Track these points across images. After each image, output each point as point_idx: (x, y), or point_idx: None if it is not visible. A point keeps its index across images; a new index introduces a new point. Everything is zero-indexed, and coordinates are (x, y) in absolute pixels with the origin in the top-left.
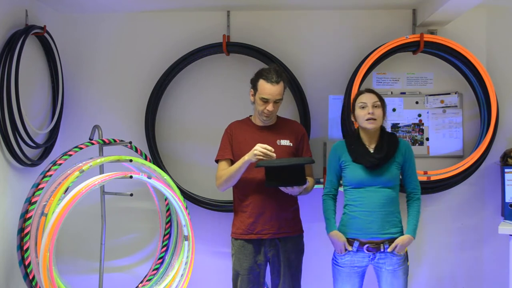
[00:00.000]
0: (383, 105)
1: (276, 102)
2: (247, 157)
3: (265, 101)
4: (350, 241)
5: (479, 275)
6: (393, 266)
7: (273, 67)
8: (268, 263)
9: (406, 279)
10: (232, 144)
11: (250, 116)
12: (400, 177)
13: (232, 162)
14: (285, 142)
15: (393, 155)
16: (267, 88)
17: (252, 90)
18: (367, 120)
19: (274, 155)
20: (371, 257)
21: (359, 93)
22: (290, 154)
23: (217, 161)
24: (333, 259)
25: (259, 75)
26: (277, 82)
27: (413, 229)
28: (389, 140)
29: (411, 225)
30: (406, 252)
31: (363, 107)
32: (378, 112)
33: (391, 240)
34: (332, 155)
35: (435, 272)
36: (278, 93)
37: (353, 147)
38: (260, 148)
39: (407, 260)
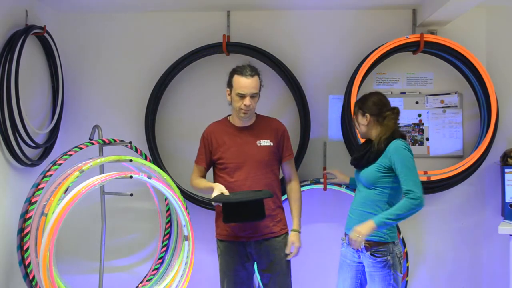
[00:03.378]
0: (359, 112)
1: (253, 96)
2: (214, 189)
3: (241, 95)
4: (345, 234)
5: (479, 275)
6: (369, 269)
7: (247, 64)
8: (255, 263)
9: (386, 286)
10: (212, 149)
11: (228, 116)
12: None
13: (206, 170)
14: (265, 142)
15: (376, 158)
16: (242, 82)
17: (228, 89)
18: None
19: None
20: (356, 254)
21: None
22: (271, 154)
23: None
24: None
25: (233, 72)
26: (251, 75)
27: (382, 216)
28: (378, 142)
29: (386, 212)
30: (388, 260)
31: None
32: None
33: (367, 242)
34: None
35: (435, 272)
36: (253, 86)
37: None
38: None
39: (390, 268)
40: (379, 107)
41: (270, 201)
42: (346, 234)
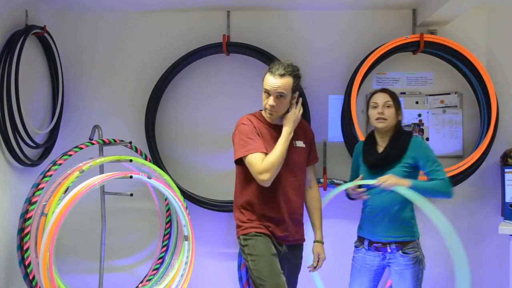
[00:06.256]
0: (396, 104)
1: (279, 97)
2: (290, 129)
3: (267, 93)
4: (361, 239)
5: (479, 275)
6: (399, 267)
7: (285, 61)
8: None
9: (415, 282)
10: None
11: (261, 110)
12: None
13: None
14: (300, 144)
15: (401, 156)
16: (268, 80)
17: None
18: (376, 119)
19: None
20: (381, 256)
21: (373, 92)
22: (305, 157)
23: (238, 160)
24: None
25: (268, 69)
26: (280, 75)
27: (420, 183)
28: (398, 140)
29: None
30: (418, 256)
31: (375, 107)
32: (389, 112)
33: (399, 242)
34: (354, 153)
35: (435, 272)
36: (279, 85)
37: (365, 147)
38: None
39: (420, 264)
40: None
41: (300, 208)
42: (365, 239)
